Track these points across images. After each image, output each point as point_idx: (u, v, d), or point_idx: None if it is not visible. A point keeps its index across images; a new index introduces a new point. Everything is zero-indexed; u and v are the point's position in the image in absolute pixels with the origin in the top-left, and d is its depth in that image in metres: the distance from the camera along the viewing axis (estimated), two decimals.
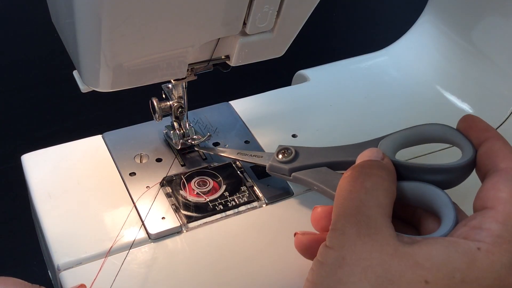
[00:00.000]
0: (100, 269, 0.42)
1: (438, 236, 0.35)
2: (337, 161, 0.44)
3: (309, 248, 0.40)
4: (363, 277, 0.32)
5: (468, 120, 0.40)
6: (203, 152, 0.52)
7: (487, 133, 0.38)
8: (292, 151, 0.46)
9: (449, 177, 0.39)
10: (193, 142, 0.52)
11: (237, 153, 0.50)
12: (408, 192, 0.38)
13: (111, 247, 0.44)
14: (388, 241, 0.33)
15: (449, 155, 0.40)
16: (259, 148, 0.53)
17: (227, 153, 0.50)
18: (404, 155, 0.44)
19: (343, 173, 0.42)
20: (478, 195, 0.35)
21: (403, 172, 0.39)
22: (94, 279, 0.41)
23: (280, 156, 0.46)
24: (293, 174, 0.45)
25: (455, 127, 0.41)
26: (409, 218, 0.41)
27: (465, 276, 0.31)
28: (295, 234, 0.41)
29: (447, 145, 0.47)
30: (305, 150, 0.46)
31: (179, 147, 0.51)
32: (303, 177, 0.45)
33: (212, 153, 0.51)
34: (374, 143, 0.42)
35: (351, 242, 0.33)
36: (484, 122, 0.39)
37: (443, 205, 0.37)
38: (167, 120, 0.52)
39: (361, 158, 0.39)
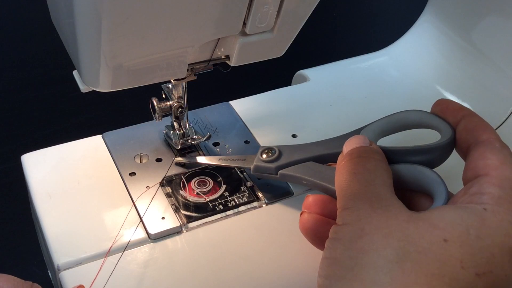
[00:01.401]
0: (100, 269, 0.42)
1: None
2: (322, 154, 0.44)
3: (313, 229, 0.41)
4: (386, 243, 0.33)
5: (442, 103, 0.42)
6: (203, 152, 0.52)
7: (462, 112, 0.40)
8: (276, 150, 0.46)
9: (431, 157, 0.40)
10: (193, 142, 0.52)
11: (219, 159, 0.50)
12: (398, 173, 0.39)
13: (111, 246, 0.44)
14: (401, 211, 0.34)
15: (427, 140, 0.42)
16: (258, 148, 0.53)
17: (208, 160, 0.50)
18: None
19: (331, 165, 0.43)
20: (467, 166, 0.37)
21: (388, 156, 0.40)
22: (94, 280, 0.41)
23: (264, 156, 0.47)
24: (280, 171, 0.45)
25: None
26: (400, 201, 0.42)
27: (479, 233, 0.32)
28: (301, 214, 0.42)
29: (425, 131, 0.48)
30: (288, 148, 0.46)
31: (179, 147, 0.51)
32: (291, 173, 0.45)
33: (192, 162, 0.51)
34: (355, 133, 0.43)
35: (366, 215, 0.34)
36: (457, 103, 0.42)
37: (433, 182, 0.38)
38: (167, 120, 0.52)
39: (349, 146, 0.40)
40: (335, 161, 0.41)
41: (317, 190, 0.44)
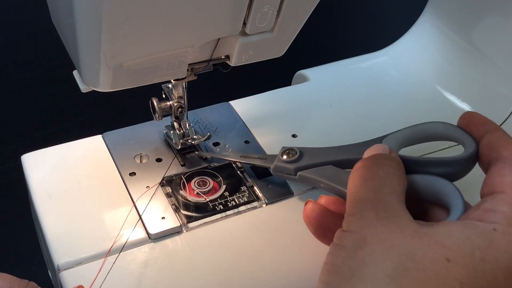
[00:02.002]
0: (100, 270, 0.42)
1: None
2: (342, 159, 0.44)
3: (316, 219, 0.41)
4: (386, 256, 0.32)
5: (467, 117, 0.41)
6: (202, 152, 0.52)
7: (486, 126, 0.40)
8: (297, 152, 0.46)
9: (453, 170, 0.40)
10: (193, 142, 0.52)
11: (240, 156, 0.50)
12: (415, 184, 0.39)
13: (111, 246, 0.44)
14: (407, 223, 0.34)
15: (450, 153, 0.41)
16: (259, 148, 0.53)
17: (230, 156, 0.50)
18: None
19: (350, 170, 0.42)
20: (485, 182, 0.37)
21: (409, 166, 0.40)
22: (94, 280, 0.41)
23: (284, 156, 0.47)
24: (299, 173, 0.45)
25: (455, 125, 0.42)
26: (416, 211, 0.41)
27: (484, 255, 0.32)
28: (306, 203, 0.42)
29: (449, 144, 0.47)
30: (309, 150, 0.46)
31: (179, 147, 0.51)
32: (310, 175, 0.45)
33: (215, 157, 0.51)
34: (377, 141, 0.43)
35: (370, 224, 0.34)
36: (483, 116, 0.41)
37: (451, 194, 0.38)
38: (167, 120, 0.52)
39: (368, 153, 0.40)
40: None
41: (335, 194, 0.43)
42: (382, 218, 0.34)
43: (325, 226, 0.41)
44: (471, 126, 0.41)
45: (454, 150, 0.42)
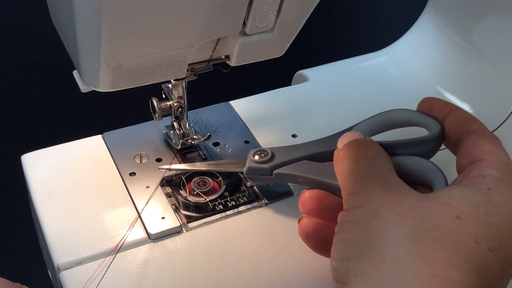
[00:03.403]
0: (95, 271, 0.42)
1: None
2: (315, 153, 0.45)
3: (314, 234, 0.42)
4: (401, 221, 0.33)
5: (427, 101, 0.44)
6: (203, 152, 0.52)
7: (447, 107, 0.42)
8: (268, 152, 0.46)
9: (424, 149, 0.41)
10: (193, 142, 0.52)
11: (208, 165, 0.49)
12: (396, 165, 0.40)
13: (115, 247, 0.44)
14: (411, 191, 0.35)
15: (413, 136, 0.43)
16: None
17: (197, 166, 0.49)
18: None
19: (326, 163, 0.44)
20: (462, 154, 0.39)
21: None
22: (88, 281, 0.41)
23: (256, 157, 0.46)
24: (275, 171, 0.45)
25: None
26: None
27: (487, 210, 0.34)
28: (299, 220, 0.42)
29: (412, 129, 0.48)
30: (280, 149, 0.46)
31: (179, 147, 0.51)
32: (287, 172, 0.45)
33: (177, 170, 0.50)
34: (346, 131, 0.43)
35: (378, 196, 0.35)
36: (442, 100, 0.43)
37: (431, 171, 0.39)
38: (167, 120, 0.52)
39: (344, 140, 0.40)
40: (329, 160, 0.42)
41: (315, 187, 0.44)
42: (386, 189, 0.35)
43: (324, 239, 0.41)
44: (433, 109, 0.43)
45: (413, 133, 0.43)
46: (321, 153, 0.45)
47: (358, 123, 0.45)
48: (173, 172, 0.50)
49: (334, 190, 0.42)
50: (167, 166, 0.50)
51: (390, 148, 0.40)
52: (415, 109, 0.44)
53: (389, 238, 0.33)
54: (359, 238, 0.34)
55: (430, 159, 0.41)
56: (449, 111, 0.42)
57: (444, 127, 0.41)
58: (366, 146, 0.39)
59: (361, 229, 0.34)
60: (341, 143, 0.40)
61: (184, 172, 0.50)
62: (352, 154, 0.38)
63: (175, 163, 0.51)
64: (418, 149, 0.41)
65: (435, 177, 0.39)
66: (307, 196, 0.42)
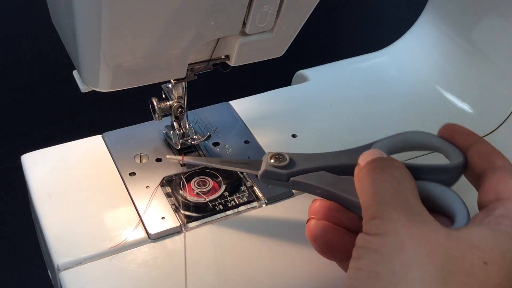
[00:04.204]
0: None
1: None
2: (334, 165, 0.43)
3: (321, 236, 0.40)
4: (429, 259, 0.32)
5: (450, 128, 0.42)
6: (203, 152, 0.52)
7: (472, 137, 0.40)
8: (286, 157, 0.44)
9: (447, 178, 0.40)
10: (192, 142, 0.52)
11: (221, 161, 0.47)
12: (418, 189, 0.38)
13: (117, 245, 0.44)
14: (438, 227, 0.34)
15: (428, 161, 0.41)
16: (259, 148, 0.53)
17: (210, 162, 0.48)
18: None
19: (344, 177, 0.42)
20: (486, 189, 0.37)
21: None
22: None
23: (273, 161, 0.43)
24: (292, 178, 0.43)
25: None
26: None
27: None
28: (307, 221, 0.41)
29: (422, 152, 0.47)
30: (298, 156, 0.44)
31: (179, 147, 0.51)
32: (304, 181, 0.43)
33: (189, 163, 0.49)
34: (365, 148, 0.42)
35: (405, 227, 0.33)
36: (466, 128, 0.41)
37: (454, 201, 0.38)
38: (167, 120, 0.52)
39: (365, 159, 0.39)
40: (348, 174, 0.40)
41: (332, 200, 0.42)
42: (413, 220, 0.33)
43: (331, 243, 0.40)
44: (456, 136, 0.41)
45: (431, 158, 0.42)
46: (340, 166, 0.43)
47: (377, 140, 0.43)
48: (173, 172, 0.50)
49: (352, 207, 0.40)
50: (179, 157, 0.49)
51: (414, 171, 0.39)
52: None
53: (415, 276, 0.31)
54: (383, 271, 0.32)
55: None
56: (473, 141, 0.40)
57: (468, 158, 0.40)
58: (392, 167, 0.37)
59: (385, 261, 0.33)
60: (363, 160, 0.39)
61: (184, 172, 0.50)
62: (377, 174, 0.37)
63: (176, 163, 0.51)
64: (441, 177, 0.40)
65: (459, 210, 0.37)
66: (317, 205, 0.41)
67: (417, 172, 0.39)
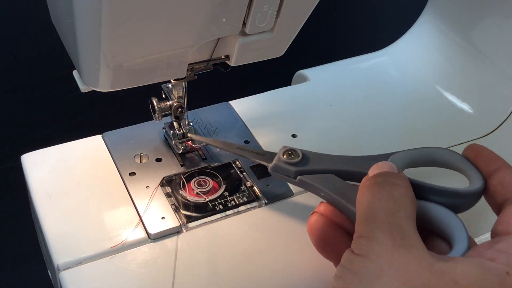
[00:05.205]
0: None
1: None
2: (346, 170, 0.42)
3: (319, 231, 0.40)
4: None
5: (475, 149, 0.40)
6: (203, 152, 0.52)
7: (497, 162, 0.39)
8: (299, 154, 0.44)
9: (460, 202, 0.39)
10: (193, 145, 0.52)
11: (236, 148, 0.47)
12: (420, 210, 0.37)
13: (116, 246, 0.44)
14: (424, 256, 0.33)
15: (446, 179, 0.41)
16: (258, 148, 0.53)
17: (224, 146, 0.48)
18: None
19: (353, 184, 0.41)
20: (500, 220, 0.36)
21: (414, 190, 0.38)
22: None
23: (285, 156, 0.44)
24: (299, 177, 0.43)
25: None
26: None
27: None
28: (312, 213, 0.41)
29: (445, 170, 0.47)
30: (312, 154, 0.44)
31: (180, 151, 0.51)
32: (310, 181, 0.43)
33: (207, 144, 0.49)
34: (383, 157, 0.41)
35: (387, 252, 0.33)
36: (491, 151, 0.40)
37: (456, 228, 0.37)
38: (167, 120, 0.52)
39: (375, 170, 0.38)
40: (358, 181, 0.39)
41: (334, 206, 0.42)
42: (398, 246, 0.33)
43: (326, 240, 0.40)
44: (479, 159, 0.40)
45: (449, 176, 0.41)
46: (352, 172, 0.42)
47: (400, 151, 0.42)
48: (173, 172, 0.50)
49: (352, 217, 0.40)
50: (195, 136, 0.49)
51: (422, 191, 0.38)
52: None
53: None
54: None
55: (461, 213, 0.39)
56: (497, 168, 0.38)
57: (489, 185, 0.38)
58: (393, 184, 0.36)
59: (361, 285, 0.32)
60: (372, 171, 0.38)
61: (184, 172, 0.50)
62: (376, 190, 0.36)
63: (176, 163, 0.51)
64: (452, 201, 0.38)
65: (459, 239, 0.36)
66: (314, 219, 0.41)
67: (426, 192, 0.38)
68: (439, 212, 0.38)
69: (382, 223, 0.34)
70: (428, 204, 0.38)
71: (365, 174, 0.39)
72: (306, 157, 0.44)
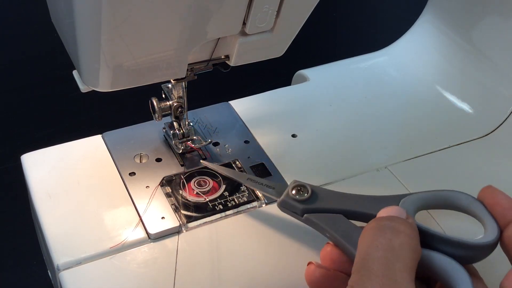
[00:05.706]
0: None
1: None
2: (354, 210, 0.42)
3: (319, 284, 0.39)
4: None
5: (492, 194, 0.39)
6: (203, 152, 0.52)
7: None
8: (309, 190, 0.43)
9: (471, 254, 0.38)
10: (193, 145, 0.51)
11: (247, 178, 0.47)
12: (425, 259, 0.36)
13: (116, 245, 0.44)
14: None
15: (467, 223, 0.39)
16: (258, 148, 0.53)
17: (235, 175, 0.48)
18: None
19: (360, 225, 0.40)
20: (509, 276, 0.35)
21: (422, 237, 0.37)
22: None
23: (294, 192, 0.43)
24: (306, 215, 0.42)
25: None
26: (417, 284, 0.37)
27: None
28: (308, 264, 0.40)
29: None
30: (321, 191, 0.43)
31: (180, 151, 0.51)
32: (317, 221, 0.42)
33: (220, 173, 0.49)
34: (395, 199, 0.40)
35: None
36: (508, 198, 0.38)
37: (461, 281, 0.35)
38: (167, 120, 0.52)
39: (384, 214, 0.37)
40: (366, 221, 0.38)
41: (339, 247, 0.40)
42: None
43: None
44: (496, 207, 0.38)
45: (467, 218, 0.40)
46: (361, 213, 0.41)
47: (414, 193, 0.41)
48: (173, 172, 0.50)
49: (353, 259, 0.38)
50: (210, 165, 0.49)
51: (430, 239, 0.37)
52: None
53: None
54: None
55: (469, 264, 0.38)
56: None
57: (504, 236, 0.37)
58: (395, 231, 0.35)
59: None
60: (379, 214, 0.37)
61: (184, 172, 0.50)
62: (376, 236, 0.34)
63: (175, 163, 0.51)
64: (462, 252, 0.37)
65: None
66: (329, 250, 0.40)
67: (435, 240, 0.37)
68: (444, 263, 0.36)
69: (376, 275, 0.32)
70: (434, 255, 0.37)
71: (374, 216, 0.38)
72: (315, 194, 0.43)
